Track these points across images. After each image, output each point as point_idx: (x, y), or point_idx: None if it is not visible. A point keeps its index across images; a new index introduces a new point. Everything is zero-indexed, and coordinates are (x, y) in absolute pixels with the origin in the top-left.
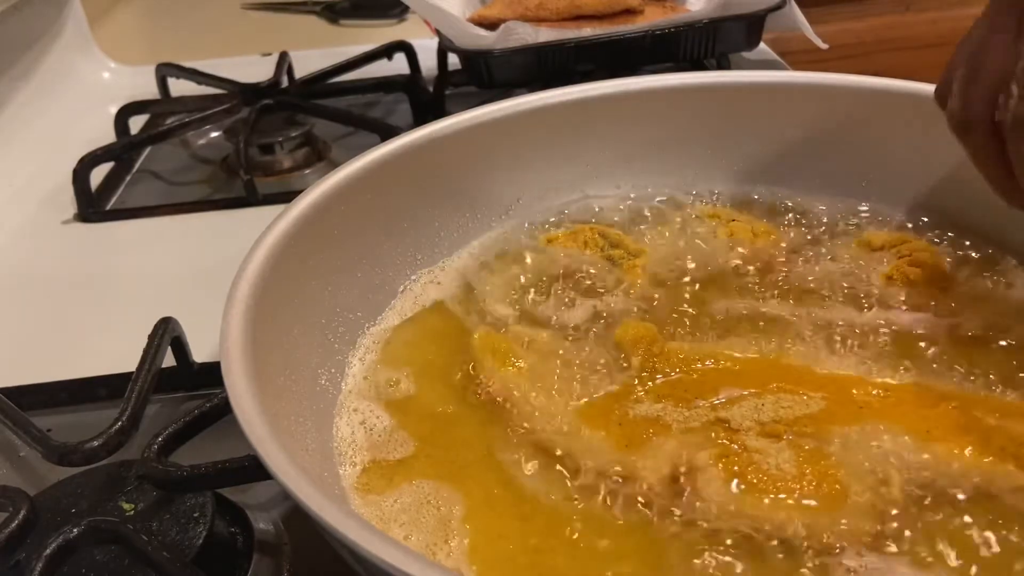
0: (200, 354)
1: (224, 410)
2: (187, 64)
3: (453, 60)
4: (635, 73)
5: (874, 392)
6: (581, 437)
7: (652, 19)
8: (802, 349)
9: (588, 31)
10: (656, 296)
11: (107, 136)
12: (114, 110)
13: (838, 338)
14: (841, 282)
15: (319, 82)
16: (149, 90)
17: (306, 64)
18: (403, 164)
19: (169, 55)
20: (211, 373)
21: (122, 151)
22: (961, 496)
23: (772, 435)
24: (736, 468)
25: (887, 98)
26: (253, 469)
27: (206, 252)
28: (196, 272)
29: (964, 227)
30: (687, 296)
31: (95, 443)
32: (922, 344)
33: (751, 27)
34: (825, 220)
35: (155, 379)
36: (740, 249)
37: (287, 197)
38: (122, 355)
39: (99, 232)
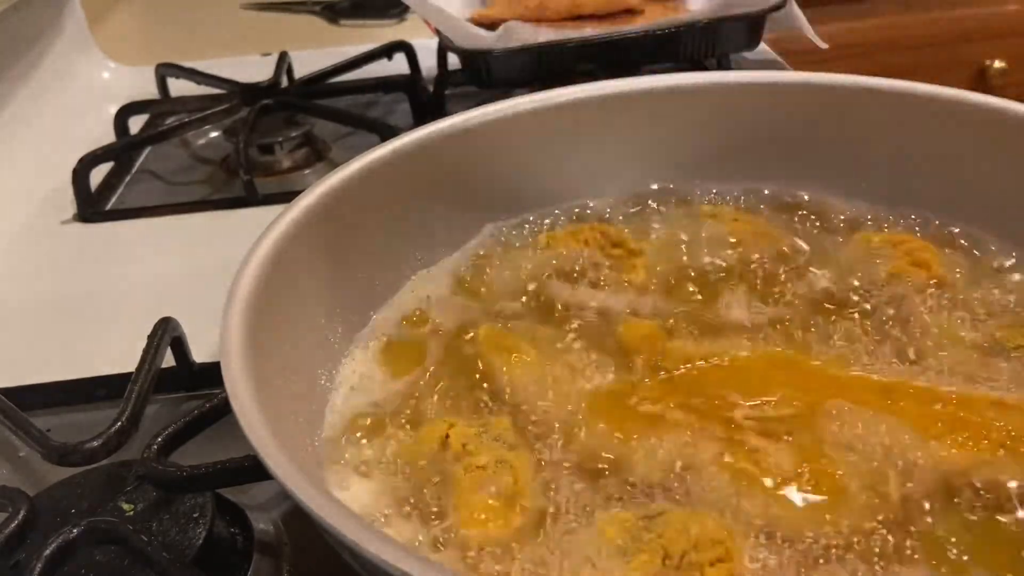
0: (200, 354)
1: (224, 410)
2: (187, 64)
3: (453, 60)
4: (635, 73)
5: (874, 390)
6: (583, 434)
7: (652, 19)
8: (803, 348)
9: (588, 31)
10: (657, 295)
11: (107, 136)
12: (114, 110)
13: (839, 337)
14: (841, 281)
15: (319, 82)
16: (149, 90)
17: (306, 64)
18: (403, 164)
19: (169, 55)
20: (211, 373)
21: (122, 151)
22: (961, 492)
23: (773, 434)
24: (736, 467)
25: (887, 98)
26: (253, 469)
27: (206, 252)
28: (196, 272)
29: (966, 225)
30: (688, 295)
31: (95, 443)
32: (921, 343)
33: (751, 27)
34: (826, 220)
35: (155, 379)
36: (741, 248)
37: (287, 197)
38: (122, 355)
39: (99, 232)
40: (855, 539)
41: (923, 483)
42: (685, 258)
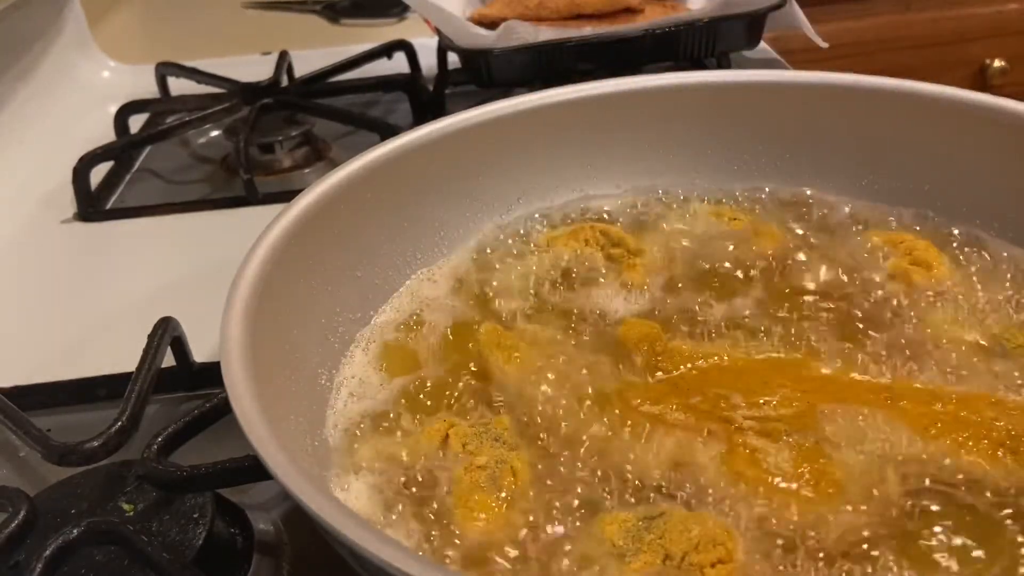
0: (200, 354)
1: (224, 410)
2: (187, 63)
3: (453, 59)
4: (635, 73)
5: (874, 390)
6: (583, 434)
7: (652, 19)
8: (803, 348)
9: (588, 30)
10: (658, 294)
11: (107, 135)
12: (114, 109)
13: (839, 336)
14: (842, 281)
15: (319, 81)
16: (149, 89)
17: (306, 63)
18: (403, 164)
19: (169, 54)
20: (211, 373)
21: (122, 150)
22: (960, 492)
23: (772, 433)
24: (736, 466)
25: (887, 98)
26: (253, 469)
27: (206, 252)
28: (196, 272)
29: (966, 225)
30: (689, 294)
31: (95, 443)
32: (921, 342)
33: (751, 26)
34: (826, 219)
35: (155, 379)
36: (741, 248)
37: (287, 197)
38: (122, 355)
39: (99, 232)
40: (855, 539)
41: (923, 483)
42: (685, 257)
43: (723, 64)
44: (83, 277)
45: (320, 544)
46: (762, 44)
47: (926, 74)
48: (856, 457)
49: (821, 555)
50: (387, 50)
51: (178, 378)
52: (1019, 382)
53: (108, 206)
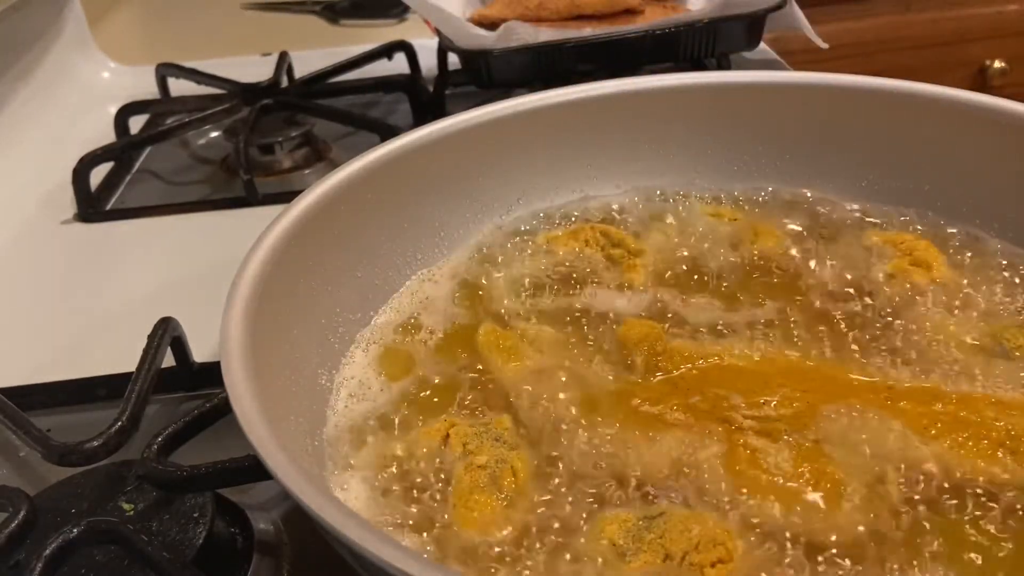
0: (200, 354)
1: (224, 410)
2: (187, 64)
3: (453, 60)
4: (635, 73)
5: (874, 390)
6: (584, 434)
7: (652, 19)
8: (803, 348)
9: (588, 31)
10: (657, 295)
11: (107, 136)
12: (114, 110)
13: (838, 337)
14: (841, 281)
15: (319, 82)
16: (149, 90)
17: (306, 64)
18: (403, 164)
19: (169, 55)
20: (211, 373)
21: (122, 151)
22: (960, 492)
23: (772, 433)
24: (736, 466)
25: (887, 98)
26: (253, 469)
27: (206, 252)
28: (196, 272)
29: (966, 225)
30: (689, 295)
31: (95, 443)
32: (921, 342)
33: (751, 27)
34: (826, 219)
35: (155, 379)
36: (741, 248)
37: (287, 197)
38: (122, 355)
39: (99, 232)
40: (855, 539)
41: (922, 483)
42: (685, 258)
43: (723, 65)
44: (83, 277)
45: (320, 544)
46: (762, 45)
47: (926, 74)
48: (856, 457)
49: (821, 555)
50: (387, 51)
51: (178, 378)
52: (1019, 382)
53: (108, 207)
